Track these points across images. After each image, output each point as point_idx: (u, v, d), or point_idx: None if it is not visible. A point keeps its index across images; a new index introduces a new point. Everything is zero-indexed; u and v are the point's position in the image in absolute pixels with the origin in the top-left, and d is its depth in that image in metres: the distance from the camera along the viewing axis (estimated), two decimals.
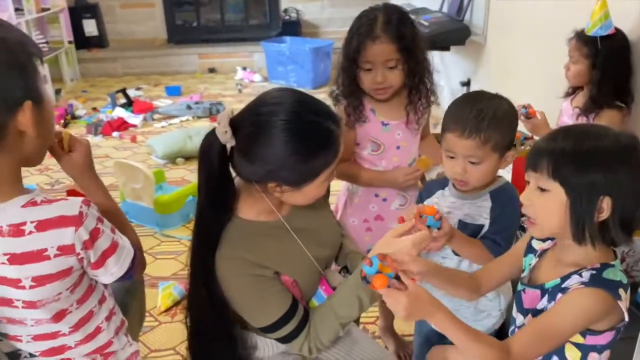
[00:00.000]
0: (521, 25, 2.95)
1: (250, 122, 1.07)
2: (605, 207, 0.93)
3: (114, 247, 1.00)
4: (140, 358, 1.19)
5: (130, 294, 1.48)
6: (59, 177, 3.64)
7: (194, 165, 3.76)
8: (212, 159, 1.09)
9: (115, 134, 4.39)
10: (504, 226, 1.27)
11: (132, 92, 5.26)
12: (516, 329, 1.09)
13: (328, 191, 1.34)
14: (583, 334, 0.98)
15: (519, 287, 1.11)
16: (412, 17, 3.37)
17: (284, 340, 1.18)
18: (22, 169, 0.97)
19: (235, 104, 5.24)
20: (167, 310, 2.25)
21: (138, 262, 1.08)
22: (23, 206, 0.91)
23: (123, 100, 4.97)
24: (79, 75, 6.34)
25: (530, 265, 1.11)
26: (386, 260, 0.96)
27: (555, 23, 2.46)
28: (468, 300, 1.28)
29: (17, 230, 0.90)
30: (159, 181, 3.14)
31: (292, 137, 1.05)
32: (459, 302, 1.36)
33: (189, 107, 4.82)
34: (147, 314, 2.08)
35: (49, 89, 5.17)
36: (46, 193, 0.97)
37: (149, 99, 5.28)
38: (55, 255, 0.92)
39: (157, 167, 3.63)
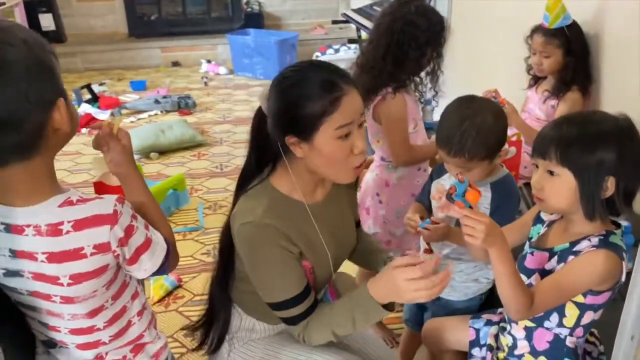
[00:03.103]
0: (484, 17, 3.09)
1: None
2: (610, 185, 1.05)
3: (147, 244, 1.02)
4: (169, 350, 1.21)
5: None
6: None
7: (169, 160, 3.81)
8: (255, 124, 1.21)
9: (83, 130, 4.29)
10: (503, 218, 1.34)
11: (95, 88, 5.17)
12: None
13: (355, 199, 1.42)
14: (584, 294, 1.11)
15: (527, 250, 1.23)
16: (378, 8, 3.56)
17: (287, 321, 1.22)
18: None
19: (202, 97, 5.24)
20: (160, 300, 2.30)
21: (171, 257, 1.10)
22: (60, 206, 0.93)
23: (88, 96, 4.89)
24: None
25: (538, 233, 1.24)
26: (472, 187, 1.03)
27: (515, 16, 2.61)
28: (483, 261, 1.40)
29: (55, 230, 0.92)
30: None
31: (293, 84, 1.11)
32: (451, 269, 1.48)
33: (156, 102, 4.79)
34: None
35: None
36: (80, 191, 0.99)
37: (114, 94, 5.21)
38: (92, 254, 0.94)
39: None
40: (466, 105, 1.34)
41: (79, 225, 0.93)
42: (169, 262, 1.09)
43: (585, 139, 1.06)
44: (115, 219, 0.95)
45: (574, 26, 1.98)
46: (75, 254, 0.93)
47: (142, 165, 3.54)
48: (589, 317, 1.14)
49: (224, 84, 5.76)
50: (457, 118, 1.31)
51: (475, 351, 1.38)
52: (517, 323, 1.25)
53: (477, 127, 1.28)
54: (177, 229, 2.87)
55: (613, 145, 1.04)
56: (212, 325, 1.35)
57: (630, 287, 0.82)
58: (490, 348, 1.35)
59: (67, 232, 0.92)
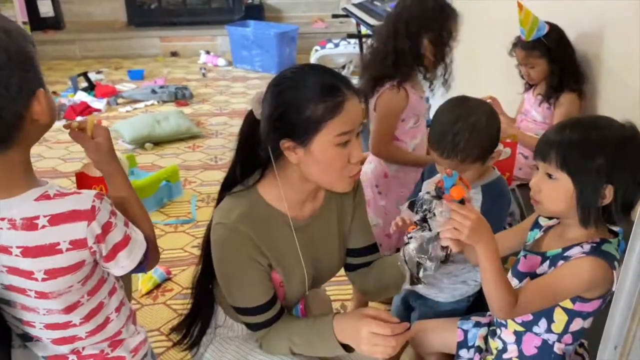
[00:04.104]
0: (483, 18, 3.06)
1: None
2: (608, 194, 1.03)
3: (125, 241, 1.00)
4: (149, 345, 1.19)
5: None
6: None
7: (163, 150, 3.79)
8: (245, 129, 1.16)
9: (79, 118, 4.30)
10: (493, 220, 1.32)
11: (92, 76, 5.14)
12: None
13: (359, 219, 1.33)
14: (573, 300, 1.10)
15: (521, 253, 1.21)
16: (378, 3, 3.58)
17: (249, 326, 1.22)
18: None
19: (200, 88, 5.21)
20: (149, 293, 2.28)
21: (150, 255, 1.07)
22: (36, 199, 0.91)
23: (84, 84, 4.86)
24: None
25: (534, 238, 1.23)
26: (462, 181, 1.02)
27: (513, 17, 2.58)
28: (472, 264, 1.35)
29: (30, 224, 0.90)
30: (131, 166, 3.13)
31: (293, 86, 1.07)
32: (440, 271, 1.47)
33: (153, 92, 4.76)
34: None
35: None
36: (58, 185, 0.96)
37: (111, 83, 5.18)
38: (68, 250, 0.92)
39: (126, 151, 3.61)
40: (459, 105, 1.32)
41: (55, 220, 0.91)
42: (148, 260, 1.07)
43: (586, 145, 1.04)
44: (92, 215, 0.93)
45: (552, 33, 1.98)
46: (50, 249, 0.91)
47: (136, 156, 3.52)
48: (577, 324, 1.13)
49: (222, 76, 5.72)
50: (449, 118, 1.29)
51: (463, 352, 1.37)
52: (506, 327, 1.24)
53: (470, 127, 1.26)
54: (168, 220, 2.86)
55: (614, 153, 1.02)
56: (195, 320, 1.34)
57: (615, 296, 0.80)
58: (479, 350, 1.34)
59: (43, 226, 0.90)
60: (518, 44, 2.08)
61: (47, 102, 0.91)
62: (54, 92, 4.90)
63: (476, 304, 1.54)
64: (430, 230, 1.03)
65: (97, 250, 0.96)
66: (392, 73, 1.73)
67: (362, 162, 1.13)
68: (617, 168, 1.02)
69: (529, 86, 2.22)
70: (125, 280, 1.76)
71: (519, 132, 2.04)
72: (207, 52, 6.26)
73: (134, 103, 4.69)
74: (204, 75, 5.68)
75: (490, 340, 1.32)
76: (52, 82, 5.35)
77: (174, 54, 6.45)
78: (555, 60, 2.00)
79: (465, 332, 1.38)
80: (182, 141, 3.92)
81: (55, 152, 3.70)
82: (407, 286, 1.11)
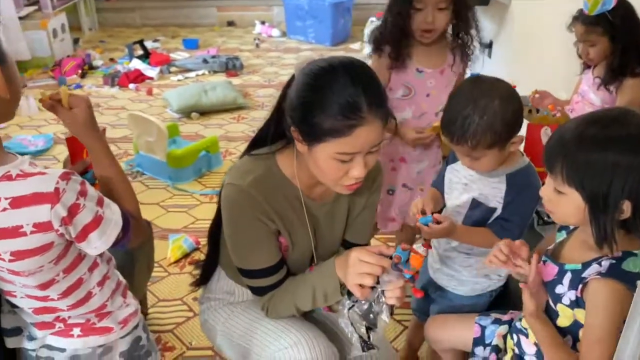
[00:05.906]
0: None
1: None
2: (626, 208, 0.90)
3: (97, 222, 0.95)
4: (140, 317, 1.17)
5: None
6: None
7: (208, 120, 3.80)
8: (285, 92, 1.12)
9: (131, 85, 4.39)
10: (516, 213, 1.24)
11: (149, 44, 5.23)
12: None
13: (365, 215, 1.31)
14: None
15: (543, 258, 1.10)
16: None
17: (254, 290, 1.22)
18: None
19: (252, 59, 5.18)
20: (177, 262, 2.30)
21: (133, 232, 1.04)
22: None
23: (140, 52, 4.95)
24: (97, 25, 6.30)
25: (558, 240, 1.11)
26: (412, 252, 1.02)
27: None
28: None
29: None
30: (173, 135, 3.16)
31: (319, 87, 1.01)
32: (460, 263, 1.37)
33: (205, 61, 4.78)
34: (156, 265, 2.13)
35: (66, 37, 5.16)
36: (29, 162, 0.92)
37: (166, 52, 5.25)
38: (32, 232, 0.89)
39: (172, 120, 3.65)
40: (471, 87, 1.20)
41: (17, 202, 0.87)
42: (129, 238, 1.03)
43: (594, 153, 0.89)
44: (56, 197, 0.89)
45: (619, 8, 1.76)
46: (13, 232, 0.88)
47: (181, 125, 3.55)
48: None
49: (274, 47, 5.67)
50: (461, 101, 1.17)
51: (479, 350, 1.28)
52: (527, 337, 1.14)
53: (480, 111, 1.13)
54: (204, 191, 2.87)
55: (628, 167, 0.87)
56: (208, 262, 1.39)
57: (628, 319, 0.68)
58: (496, 349, 1.25)
59: (4, 209, 0.87)
60: (579, 17, 1.89)
61: (3, 77, 0.87)
62: (111, 59, 5.04)
63: (499, 300, 1.42)
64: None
65: (65, 232, 0.93)
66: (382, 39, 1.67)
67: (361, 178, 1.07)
68: (634, 181, 0.87)
69: (587, 67, 2.02)
70: (147, 247, 1.77)
71: (567, 117, 1.87)
72: (263, 22, 6.21)
73: (186, 72, 4.73)
74: (257, 45, 5.65)
75: (508, 339, 1.21)
76: (111, 49, 5.49)
77: (231, 23, 6.45)
78: (619, 39, 1.80)
79: (483, 328, 1.28)
80: (227, 112, 3.91)
81: (105, 118, 3.79)
82: (356, 353, 1.11)
